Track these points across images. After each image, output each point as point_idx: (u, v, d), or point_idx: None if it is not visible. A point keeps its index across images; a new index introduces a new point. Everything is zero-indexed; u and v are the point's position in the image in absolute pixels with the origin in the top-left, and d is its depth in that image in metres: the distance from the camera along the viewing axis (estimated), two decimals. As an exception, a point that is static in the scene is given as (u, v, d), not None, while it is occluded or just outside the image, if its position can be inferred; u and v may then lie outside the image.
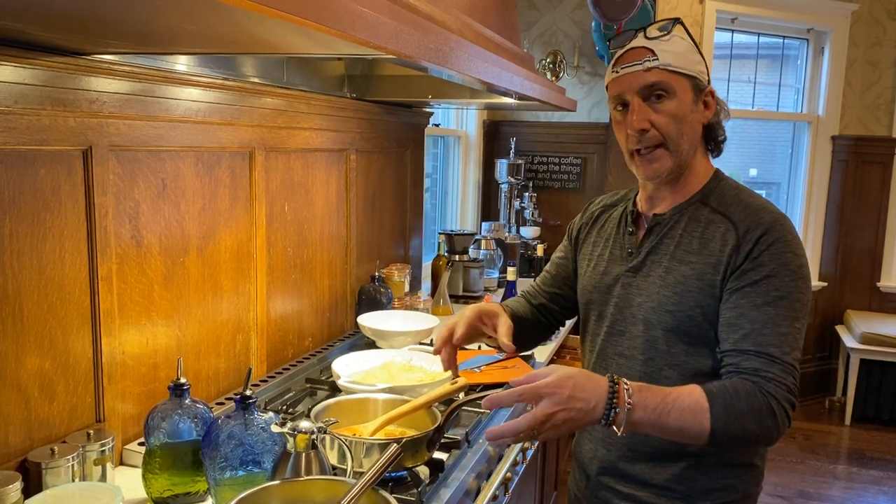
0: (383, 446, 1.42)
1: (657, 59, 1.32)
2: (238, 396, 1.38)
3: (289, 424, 1.31)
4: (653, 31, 1.35)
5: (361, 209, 2.66)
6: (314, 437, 1.32)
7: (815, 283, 5.03)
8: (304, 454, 1.30)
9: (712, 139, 1.43)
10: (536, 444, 2.19)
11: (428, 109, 3.15)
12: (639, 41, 1.35)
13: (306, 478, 1.28)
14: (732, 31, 4.69)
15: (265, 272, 2.08)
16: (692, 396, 1.21)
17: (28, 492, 1.29)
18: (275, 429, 1.32)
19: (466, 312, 1.53)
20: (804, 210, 5.04)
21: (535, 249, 2.73)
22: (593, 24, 3.76)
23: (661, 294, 1.37)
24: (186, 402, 1.43)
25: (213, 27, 1.10)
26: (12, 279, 1.31)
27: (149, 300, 1.65)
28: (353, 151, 2.54)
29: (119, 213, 1.54)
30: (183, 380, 1.43)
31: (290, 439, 1.30)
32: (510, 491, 1.89)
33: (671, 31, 1.35)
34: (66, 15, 1.05)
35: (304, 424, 1.32)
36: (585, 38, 4.23)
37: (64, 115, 1.38)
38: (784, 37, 4.90)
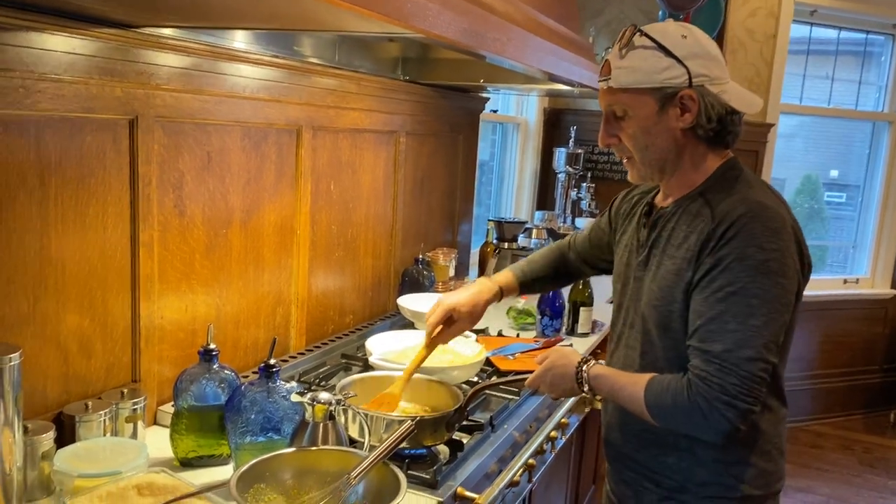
0: (401, 423, 1.44)
1: (609, 79, 1.35)
2: (262, 364, 1.42)
3: (308, 395, 1.35)
4: (614, 47, 1.35)
5: (409, 192, 2.68)
6: (332, 408, 1.34)
7: (886, 290, 4.82)
8: (321, 424, 1.33)
9: (709, 136, 1.35)
10: (568, 435, 2.17)
11: (484, 95, 3.14)
12: (610, 54, 1.37)
13: (320, 448, 1.31)
14: (811, 24, 4.50)
15: (308, 248, 2.12)
16: (634, 388, 1.34)
17: (62, 442, 1.36)
18: (294, 398, 1.35)
19: (444, 306, 1.70)
20: (879, 214, 4.82)
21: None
22: (660, 13, 3.67)
23: (651, 289, 1.40)
24: (215, 367, 1.48)
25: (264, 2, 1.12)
26: (56, 240, 1.38)
27: (189, 268, 1.71)
28: (403, 134, 2.56)
29: (163, 183, 1.60)
30: (212, 345, 1.48)
31: (309, 409, 1.33)
32: (535, 479, 1.88)
33: (630, 43, 1.32)
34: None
35: (323, 396, 1.35)
36: (653, 27, 4.14)
37: (111, 85, 1.43)
38: (867, 32, 4.68)
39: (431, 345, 1.70)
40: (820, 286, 4.73)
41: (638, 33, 1.32)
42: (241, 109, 1.79)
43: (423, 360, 1.69)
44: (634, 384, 1.34)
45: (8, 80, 1.24)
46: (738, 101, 1.33)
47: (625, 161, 1.44)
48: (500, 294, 1.78)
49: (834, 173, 5.21)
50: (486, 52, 1.41)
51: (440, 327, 1.70)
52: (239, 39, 1.74)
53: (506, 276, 1.82)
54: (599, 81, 1.40)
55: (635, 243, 1.49)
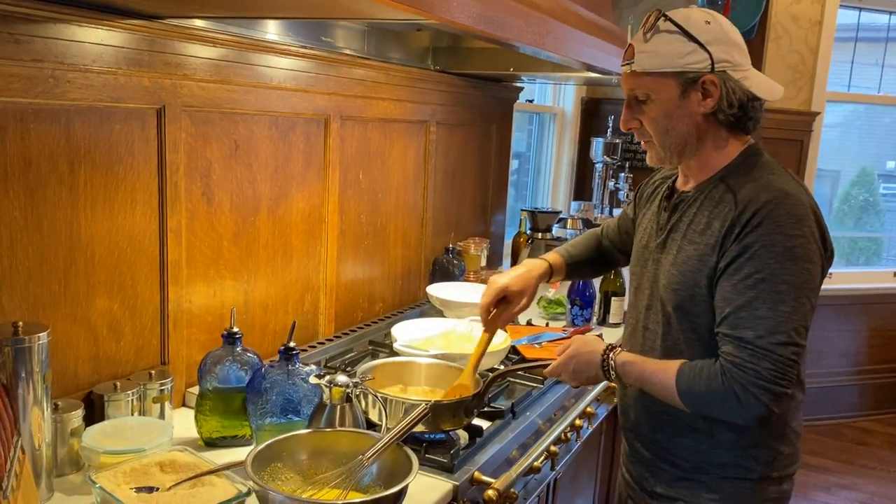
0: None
1: (633, 62, 1.35)
2: (282, 347, 1.45)
3: (326, 377, 1.37)
4: (639, 31, 1.36)
5: (440, 181, 2.69)
6: (349, 390, 1.37)
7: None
8: (338, 407, 1.36)
9: (730, 122, 1.36)
10: (595, 424, 2.16)
11: (517, 84, 3.13)
12: (633, 38, 1.38)
13: (336, 429, 1.33)
14: (860, 9, 4.37)
15: (336, 236, 2.15)
16: (665, 374, 1.33)
17: (92, 420, 1.42)
18: (313, 380, 1.38)
19: (496, 286, 1.66)
20: (932, 205, 4.67)
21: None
22: (699, 1, 3.61)
23: (671, 273, 1.40)
24: (238, 349, 1.51)
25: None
26: (85, 225, 1.42)
27: (217, 254, 1.75)
28: (433, 123, 2.57)
29: (190, 171, 1.64)
30: (235, 329, 1.51)
31: (327, 391, 1.36)
32: (558, 467, 1.88)
33: (654, 27, 1.33)
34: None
35: (341, 378, 1.37)
36: (694, 15, 4.07)
37: (139, 75, 1.47)
38: (921, 16, 4.52)
39: (490, 329, 1.68)
40: (869, 279, 4.60)
41: (662, 18, 1.34)
42: (269, 99, 1.82)
43: (486, 346, 1.67)
44: (664, 371, 1.34)
45: (38, 71, 1.29)
46: (759, 88, 1.34)
47: (644, 144, 1.44)
48: (550, 272, 1.75)
49: (891, 164, 5.05)
50: (502, 38, 1.41)
51: (494, 310, 1.67)
52: (266, 30, 1.77)
53: (553, 256, 1.80)
54: (623, 65, 1.40)
55: (654, 226, 1.50)
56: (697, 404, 1.30)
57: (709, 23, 1.32)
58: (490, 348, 1.94)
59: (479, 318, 2.21)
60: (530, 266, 1.72)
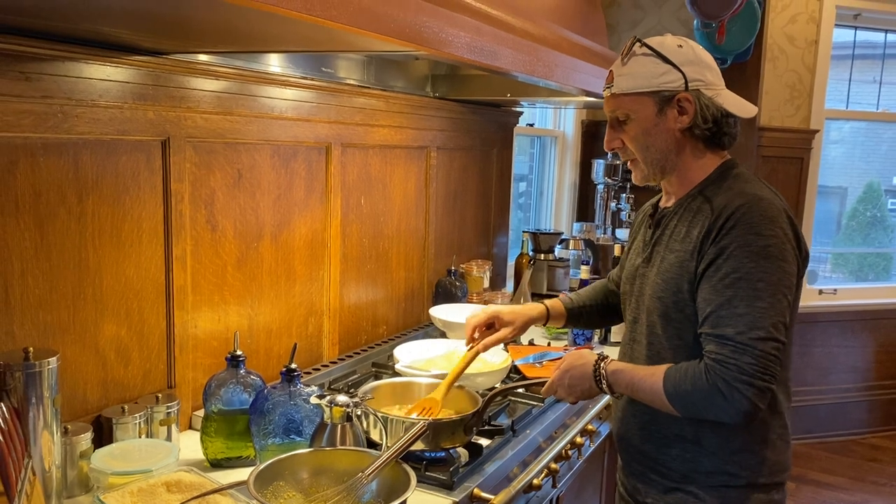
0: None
1: (612, 86, 1.44)
2: (284, 369, 1.48)
3: (327, 397, 1.41)
4: (618, 58, 1.45)
5: (441, 205, 2.73)
6: (349, 410, 1.40)
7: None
8: (339, 426, 1.40)
9: (706, 137, 1.42)
10: (598, 442, 2.18)
11: (517, 109, 3.19)
12: (613, 64, 1.46)
13: (336, 448, 1.36)
14: (855, 27, 4.42)
15: (339, 260, 2.20)
16: (653, 378, 1.36)
17: (101, 443, 1.45)
18: (313, 401, 1.42)
19: (489, 311, 1.78)
20: (936, 220, 4.68)
21: (613, 250, 2.74)
22: (695, 22, 3.66)
23: (655, 282, 1.45)
24: (241, 372, 1.55)
25: (286, 30, 1.20)
26: (93, 253, 1.48)
27: (222, 280, 1.79)
28: (433, 149, 2.62)
29: (195, 199, 1.69)
30: (239, 352, 1.55)
31: (327, 411, 1.40)
32: (560, 484, 1.90)
33: (630, 52, 1.42)
34: (149, 19, 1.18)
35: (341, 398, 1.41)
36: (690, 37, 4.13)
37: (144, 109, 1.53)
38: (917, 33, 4.57)
39: (471, 351, 1.74)
40: (878, 294, 4.61)
41: (638, 43, 1.42)
42: (271, 129, 1.88)
43: (465, 367, 1.72)
44: (652, 375, 1.38)
45: (47, 107, 1.35)
46: (732, 105, 1.42)
47: (629, 163, 1.51)
48: (547, 315, 1.81)
49: (896, 180, 5.07)
50: (492, 67, 1.47)
51: (478, 333, 1.75)
52: (268, 62, 1.83)
53: (554, 301, 1.86)
54: (604, 89, 1.48)
55: (641, 244, 1.56)
56: (685, 405, 1.33)
57: (681, 46, 1.41)
58: (490, 368, 1.98)
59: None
60: (528, 306, 1.81)
